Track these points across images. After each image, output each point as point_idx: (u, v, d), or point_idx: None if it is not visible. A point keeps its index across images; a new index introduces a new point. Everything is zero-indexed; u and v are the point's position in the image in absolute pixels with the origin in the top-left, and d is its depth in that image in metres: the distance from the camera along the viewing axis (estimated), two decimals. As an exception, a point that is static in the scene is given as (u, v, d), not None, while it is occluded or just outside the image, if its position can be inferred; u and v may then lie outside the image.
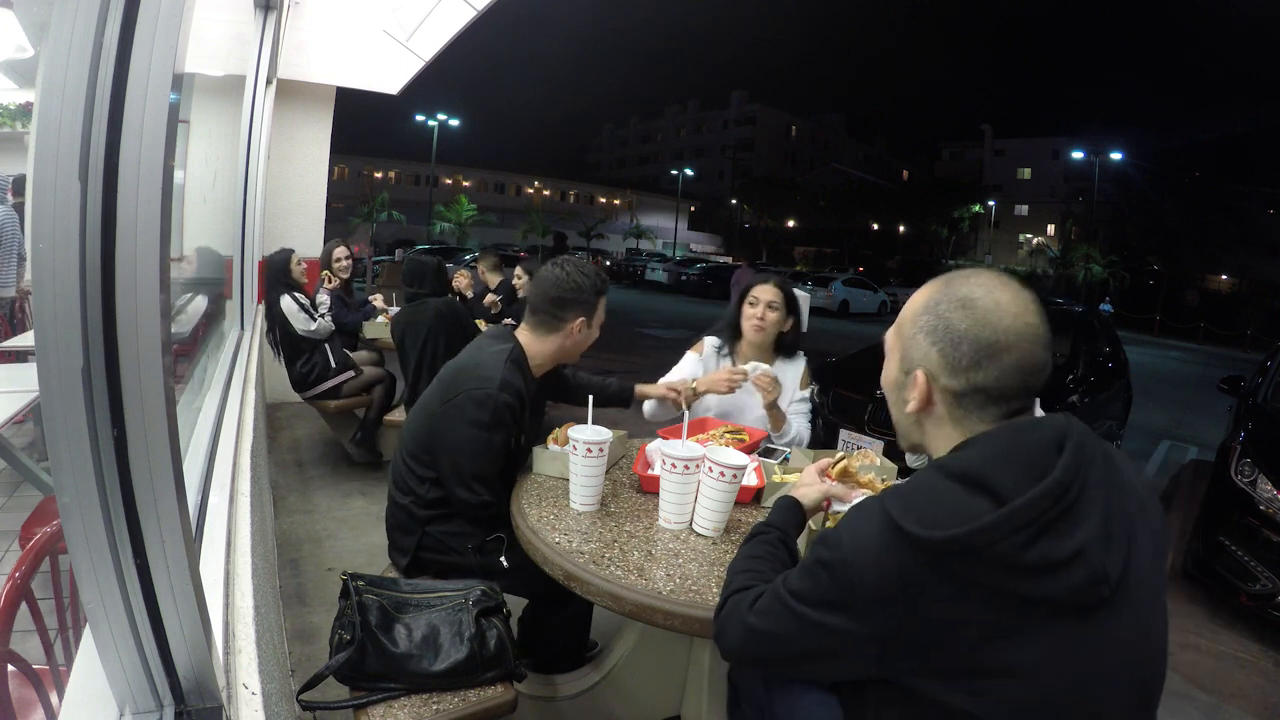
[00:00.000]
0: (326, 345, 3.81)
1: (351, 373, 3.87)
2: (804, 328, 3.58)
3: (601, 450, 1.51)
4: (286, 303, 3.67)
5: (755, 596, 0.95)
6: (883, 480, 1.37)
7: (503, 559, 1.67)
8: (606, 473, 1.61)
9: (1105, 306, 22.62)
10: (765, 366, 2.15)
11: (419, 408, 1.78)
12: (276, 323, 3.74)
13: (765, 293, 2.26)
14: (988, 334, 0.83)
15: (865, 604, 0.80)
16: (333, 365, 3.80)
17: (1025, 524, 0.74)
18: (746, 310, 2.28)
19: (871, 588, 0.79)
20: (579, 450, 1.51)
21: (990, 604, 0.75)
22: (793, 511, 1.21)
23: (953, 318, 0.86)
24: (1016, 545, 0.74)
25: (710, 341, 2.40)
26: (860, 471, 1.32)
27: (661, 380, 2.28)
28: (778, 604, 0.89)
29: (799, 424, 2.28)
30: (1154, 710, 0.85)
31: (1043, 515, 0.75)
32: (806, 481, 1.29)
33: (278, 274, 3.75)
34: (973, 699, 0.76)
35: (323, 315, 3.83)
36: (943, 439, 0.90)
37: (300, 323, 3.68)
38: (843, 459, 1.35)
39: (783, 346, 2.35)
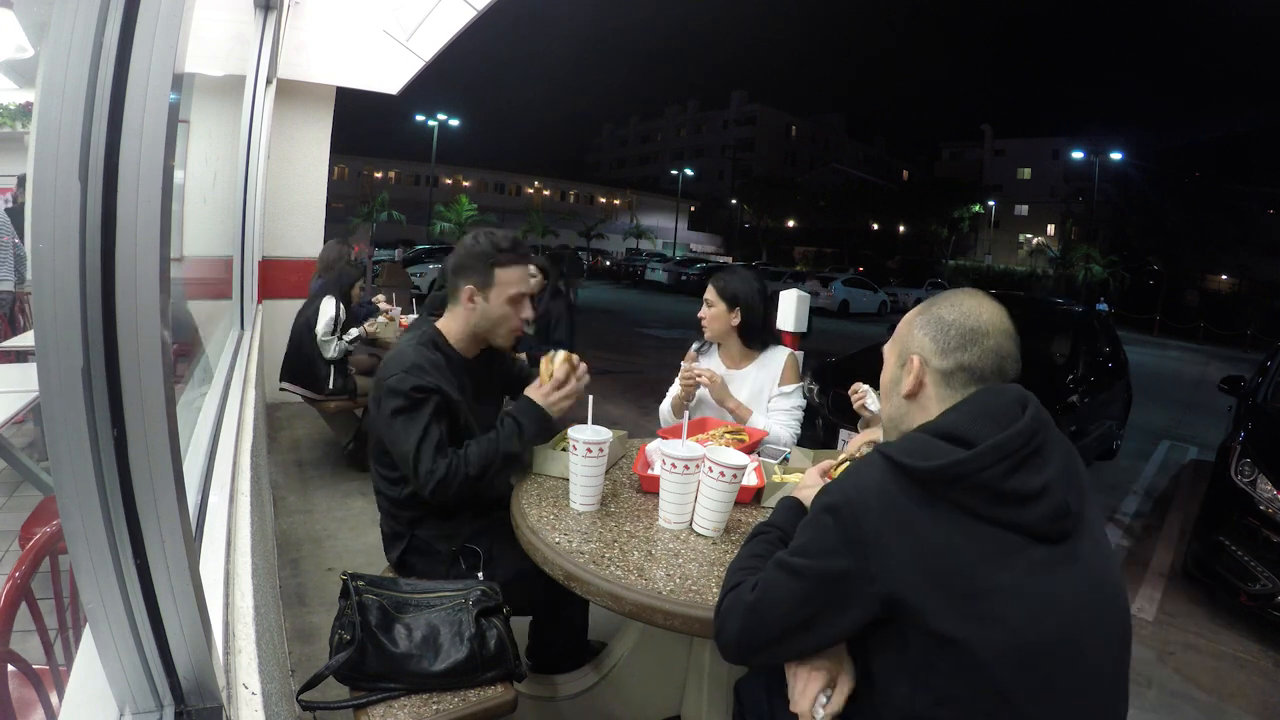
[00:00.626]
0: (332, 365, 3.70)
1: (344, 398, 3.75)
2: (804, 328, 3.59)
3: (601, 450, 1.51)
4: (328, 305, 3.59)
5: (754, 583, 0.99)
6: None
7: (479, 574, 1.64)
8: (606, 473, 1.61)
9: (1101, 306, 22.46)
10: (700, 366, 2.24)
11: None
12: (304, 313, 3.65)
13: (706, 292, 2.29)
14: (971, 322, 1.01)
15: (871, 537, 0.89)
16: (329, 387, 3.68)
17: (1004, 456, 0.88)
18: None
19: (875, 520, 0.89)
20: (579, 450, 1.51)
21: (977, 529, 0.88)
22: (795, 513, 1.21)
23: (942, 312, 1.04)
24: (997, 475, 0.87)
25: (694, 347, 2.44)
26: None
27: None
28: (778, 571, 0.97)
29: (776, 424, 2.16)
30: (1127, 654, 0.95)
31: (1018, 451, 0.89)
32: (809, 483, 1.30)
33: (336, 269, 3.69)
34: (966, 623, 0.85)
35: (347, 340, 3.73)
36: (926, 418, 1.02)
37: (323, 328, 3.60)
38: (845, 461, 1.35)
39: (748, 339, 2.29)
